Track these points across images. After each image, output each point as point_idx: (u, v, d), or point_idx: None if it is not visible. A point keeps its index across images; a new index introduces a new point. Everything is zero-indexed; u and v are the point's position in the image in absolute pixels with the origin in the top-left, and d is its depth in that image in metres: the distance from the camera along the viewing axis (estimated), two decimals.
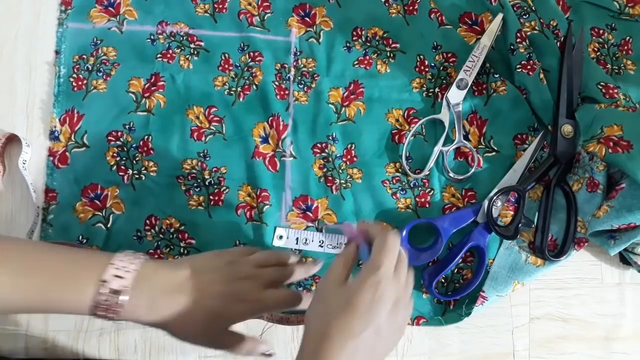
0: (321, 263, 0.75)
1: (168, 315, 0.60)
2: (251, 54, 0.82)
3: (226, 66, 0.81)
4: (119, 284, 0.58)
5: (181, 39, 0.82)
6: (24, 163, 0.76)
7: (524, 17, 0.81)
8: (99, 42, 0.81)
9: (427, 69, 0.83)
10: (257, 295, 0.64)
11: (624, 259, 0.79)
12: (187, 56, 0.81)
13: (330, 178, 0.79)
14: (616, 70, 0.82)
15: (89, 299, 0.58)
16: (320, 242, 0.78)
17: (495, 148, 0.81)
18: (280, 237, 0.77)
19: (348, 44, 0.83)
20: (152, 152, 0.79)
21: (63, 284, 0.58)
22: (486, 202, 0.77)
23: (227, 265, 0.65)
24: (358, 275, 0.58)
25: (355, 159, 0.80)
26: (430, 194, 0.80)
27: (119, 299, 0.58)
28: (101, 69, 0.80)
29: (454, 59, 0.83)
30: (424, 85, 0.82)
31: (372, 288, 0.56)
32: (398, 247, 0.60)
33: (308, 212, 0.79)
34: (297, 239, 0.78)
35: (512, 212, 0.78)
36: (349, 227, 0.66)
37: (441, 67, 0.83)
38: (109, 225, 0.77)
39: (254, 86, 0.81)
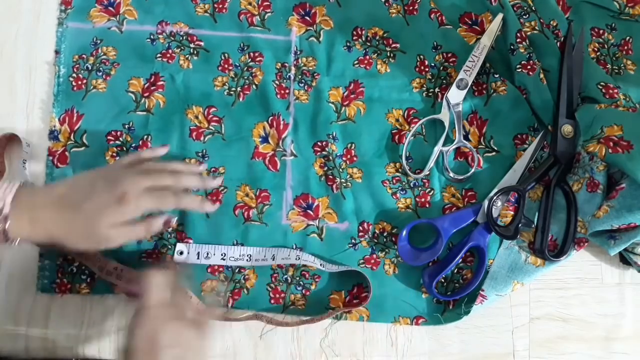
0: (220, 179, 0.77)
1: (51, 228, 0.63)
2: (251, 54, 0.82)
3: (226, 66, 0.81)
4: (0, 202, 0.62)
5: (181, 38, 0.82)
6: (24, 163, 0.76)
7: (524, 17, 0.81)
8: (98, 41, 0.81)
9: (427, 69, 0.83)
10: (137, 194, 0.65)
11: (624, 259, 0.79)
12: (187, 56, 0.81)
13: (330, 177, 0.79)
14: (616, 70, 0.82)
15: None
16: (222, 254, 0.77)
17: (495, 148, 0.80)
18: (181, 252, 0.77)
19: (348, 44, 0.83)
20: None
21: None
22: (486, 202, 0.77)
23: (105, 172, 0.68)
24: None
25: (355, 158, 0.80)
26: (430, 194, 0.80)
27: (4, 212, 0.61)
28: (101, 68, 0.80)
29: (454, 59, 0.83)
30: (424, 85, 0.82)
31: (143, 328, 0.61)
32: (162, 279, 0.65)
33: (309, 211, 0.79)
34: (198, 253, 0.77)
35: (512, 212, 0.77)
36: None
37: (441, 67, 0.83)
38: None
39: (254, 86, 0.81)
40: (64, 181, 0.69)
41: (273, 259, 0.76)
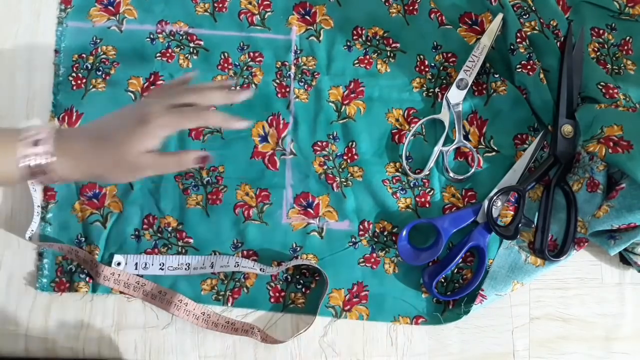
0: (251, 90, 0.74)
1: (88, 164, 0.64)
2: (251, 53, 0.82)
3: (225, 65, 0.81)
4: (42, 136, 0.62)
5: (181, 38, 0.82)
6: None
7: (524, 17, 0.81)
8: (98, 41, 0.81)
9: (427, 69, 0.83)
10: (158, 114, 0.64)
11: (624, 259, 0.79)
12: (187, 55, 0.81)
13: (330, 175, 0.79)
14: (616, 70, 0.82)
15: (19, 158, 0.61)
16: (160, 264, 0.77)
17: (495, 148, 0.80)
18: (119, 263, 0.76)
19: (348, 43, 0.83)
20: None
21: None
22: (486, 202, 0.77)
23: (133, 105, 0.70)
24: None
25: (356, 157, 0.80)
26: (430, 194, 0.80)
27: (46, 148, 0.61)
28: (100, 67, 0.80)
29: (454, 59, 0.83)
30: (424, 85, 0.82)
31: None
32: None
33: (309, 209, 0.79)
34: (136, 264, 0.77)
35: (512, 212, 0.77)
36: None
37: (441, 67, 0.83)
38: (107, 224, 0.77)
39: (254, 85, 0.81)
40: (94, 120, 0.68)
41: (212, 267, 0.76)
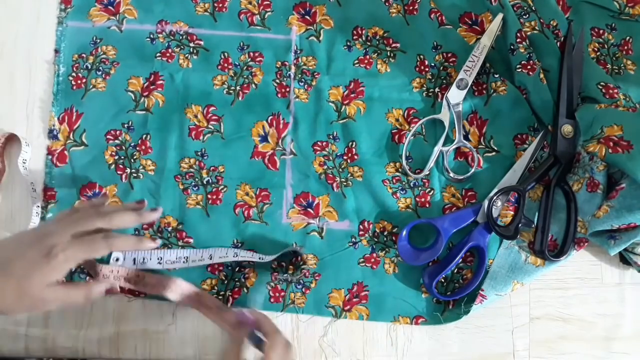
0: (160, 210, 0.73)
1: None
2: (251, 53, 0.82)
3: (225, 65, 0.81)
4: None
5: (181, 37, 0.82)
6: (24, 162, 0.76)
7: (524, 17, 0.81)
8: (98, 40, 0.81)
9: (427, 69, 0.83)
10: (64, 245, 0.61)
11: (624, 259, 0.79)
12: (187, 55, 0.81)
13: (330, 175, 0.79)
14: (616, 70, 0.82)
15: None
16: (158, 259, 0.77)
17: (495, 148, 0.80)
18: (117, 259, 0.76)
19: (348, 43, 0.83)
20: (150, 151, 0.79)
21: None
22: (486, 202, 0.77)
23: (34, 229, 0.65)
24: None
25: (356, 157, 0.80)
26: (430, 193, 0.80)
27: None
28: (100, 67, 0.80)
29: (454, 59, 0.83)
30: (424, 85, 0.82)
31: None
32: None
33: (309, 209, 0.79)
34: (134, 259, 0.76)
35: (512, 212, 0.77)
36: (242, 315, 0.69)
37: (441, 67, 0.82)
38: None
39: (253, 85, 0.81)
40: None
41: (210, 259, 0.76)
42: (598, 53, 0.83)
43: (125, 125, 0.79)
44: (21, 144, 0.76)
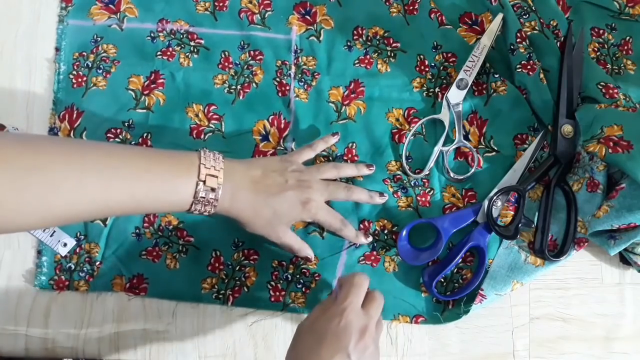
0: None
1: (243, 209, 0.69)
2: (251, 52, 0.82)
3: (226, 64, 0.81)
4: (215, 182, 0.65)
5: (181, 36, 0.82)
6: None
7: (524, 17, 0.81)
8: (99, 39, 0.81)
9: (427, 69, 0.83)
10: (317, 205, 0.73)
11: (624, 259, 0.79)
12: (187, 54, 0.81)
13: None
14: (616, 70, 0.82)
15: (189, 196, 0.64)
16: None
17: (495, 148, 0.80)
18: (65, 244, 0.77)
19: (349, 43, 0.83)
20: None
21: (167, 187, 0.64)
22: (486, 202, 0.77)
23: (292, 172, 0.73)
24: (325, 308, 0.64)
25: (356, 157, 0.80)
26: (430, 193, 0.80)
27: (215, 194, 0.66)
28: (101, 66, 0.80)
29: (454, 59, 0.83)
30: (424, 85, 0.82)
31: (337, 317, 0.62)
32: (365, 285, 0.66)
33: None
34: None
35: (512, 212, 0.77)
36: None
37: (441, 67, 0.83)
38: (107, 222, 0.77)
39: (254, 84, 0.81)
40: (257, 163, 0.73)
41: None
42: (598, 53, 0.83)
43: (126, 124, 0.79)
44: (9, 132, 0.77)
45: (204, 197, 0.65)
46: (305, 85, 0.81)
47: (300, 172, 0.73)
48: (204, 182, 0.64)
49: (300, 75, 0.82)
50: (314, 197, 0.72)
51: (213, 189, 0.65)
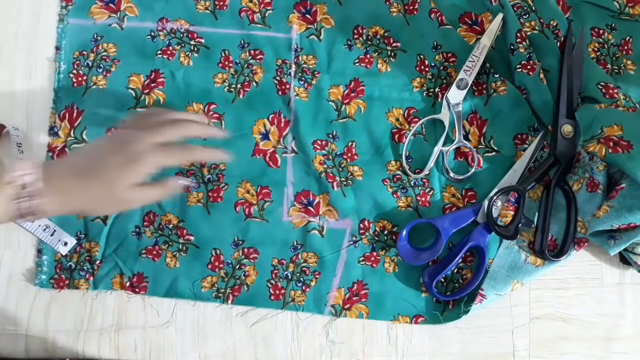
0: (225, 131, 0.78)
1: (74, 198, 0.64)
2: (251, 51, 0.82)
3: (226, 63, 0.81)
4: (30, 178, 0.61)
5: (181, 35, 0.82)
6: (19, 146, 0.76)
7: (524, 17, 0.81)
8: (99, 38, 0.81)
9: (427, 69, 0.83)
10: (147, 151, 0.65)
11: (624, 259, 0.79)
12: (187, 53, 0.81)
13: (331, 174, 0.79)
14: (616, 70, 0.82)
15: (6, 200, 0.61)
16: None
17: (495, 148, 0.80)
18: (65, 243, 0.77)
19: (349, 42, 0.83)
20: None
21: None
22: (486, 202, 0.77)
23: (113, 136, 0.70)
24: None
25: (356, 156, 0.80)
26: (430, 193, 0.80)
27: (35, 188, 0.61)
28: (101, 65, 0.80)
29: (454, 59, 0.83)
30: (424, 85, 0.82)
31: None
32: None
33: (310, 207, 0.79)
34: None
35: (512, 212, 0.77)
36: None
37: (441, 67, 0.83)
38: (107, 221, 0.77)
39: (254, 83, 0.81)
40: (76, 151, 0.72)
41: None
42: (598, 53, 0.83)
43: None
44: (8, 131, 0.77)
45: (24, 198, 0.61)
46: (306, 84, 0.81)
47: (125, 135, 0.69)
48: (16, 180, 0.61)
49: (300, 74, 0.82)
50: (141, 148, 0.66)
51: (29, 185, 0.61)
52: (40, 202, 0.61)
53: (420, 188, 0.80)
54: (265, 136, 0.80)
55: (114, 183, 0.64)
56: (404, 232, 0.77)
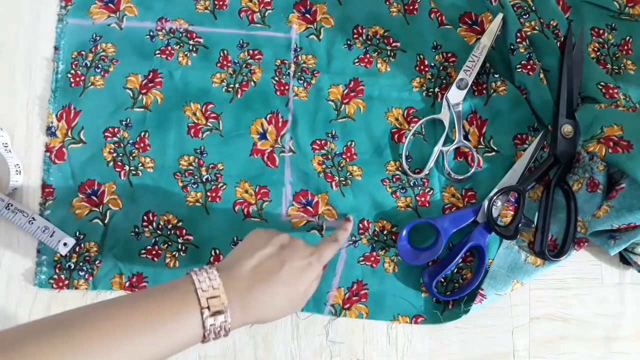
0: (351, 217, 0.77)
1: (260, 308, 0.61)
2: (250, 51, 0.82)
3: (224, 63, 0.81)
4: (219, 303, 0.57)
5: (180, 35, 0.82)
6: (5, 146, 0.76)
7: (524, 17, 0.81)
8: (98, 38, 0.81)
9: (427, 69, 0.83)
10: (318, 265, 0.66)
11: (624, 259, 0.79)
12: (186, 53, 0.81)
13: (329, 174, 0.79)
14: (616, 70, 0.82)
15: (198, 327, 0.57)
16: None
17: (495, 148, 0.80)
18: (65, 244, 0.76)
19: (349, 42, 0.83)
20: (148, 148, 0.79)
21: (171, 332, 0.56)
22: (486, 202, 0.77)
23: (282, 249, 0.65)
24: None
25: (355, 156, 0.80)
26: (430, 193, 0.80)
27: (225, 317, 0.57)
28: (99, 65, 0.80)
29: (454, 59, 0.83)
30: (424, 85, 0.82)
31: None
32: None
33: (308, 207, 0.79)
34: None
35: (512, 212, 0.77)
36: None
37: (441, 67, 0.82)
38: (106, 221, 0.77)
39: (252, 83, 0.81)
40: (240, 254, 0.64)
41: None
42: (598, 53, 0.83)
43: (124, 123, 0.79)
44: None
45: (213, 324, 0.57)
46: (305, 84, 0.81)
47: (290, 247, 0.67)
48: (208, 307, 0.57)
49: (299, 74, 0.81)
50: (322, 248, 0.68)
51: (219, 312, 0.57)
52: (231, 321, 0.58)
53: (419, 188, 0.80)
54: (263, 136, 0.80)
55: (297, 284, 0.64)
56: (404, 232, 0.77)
